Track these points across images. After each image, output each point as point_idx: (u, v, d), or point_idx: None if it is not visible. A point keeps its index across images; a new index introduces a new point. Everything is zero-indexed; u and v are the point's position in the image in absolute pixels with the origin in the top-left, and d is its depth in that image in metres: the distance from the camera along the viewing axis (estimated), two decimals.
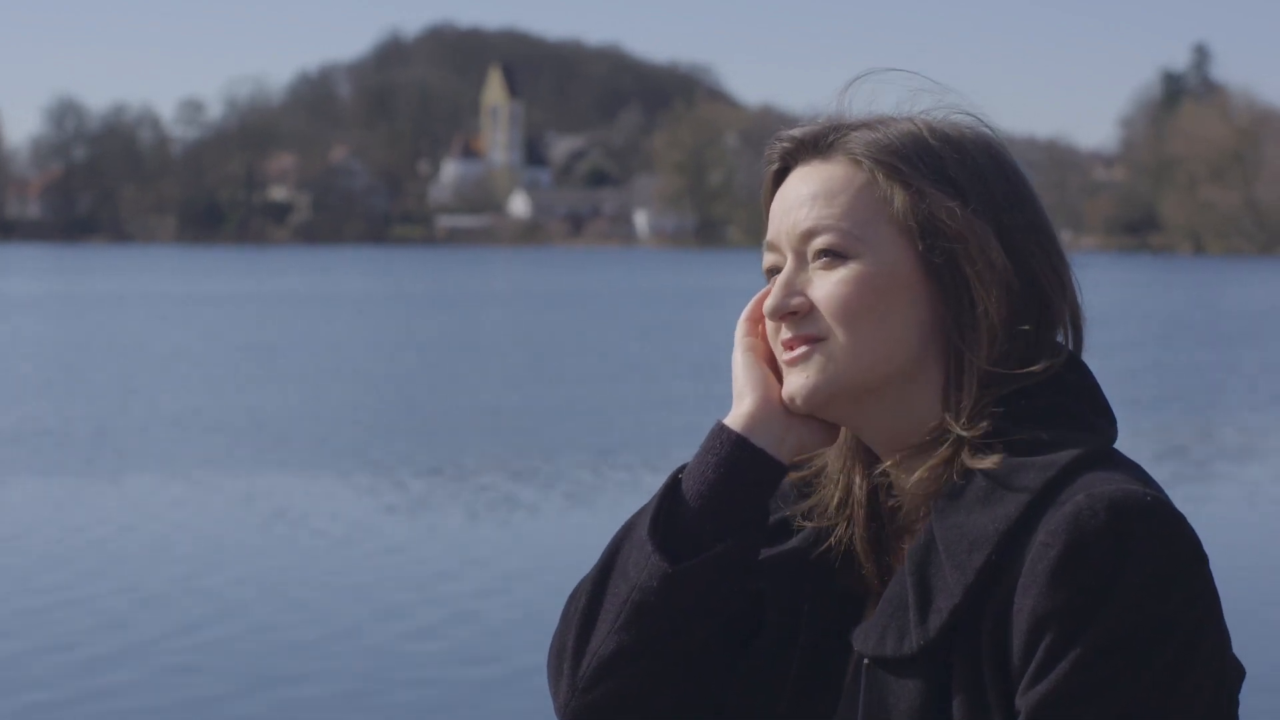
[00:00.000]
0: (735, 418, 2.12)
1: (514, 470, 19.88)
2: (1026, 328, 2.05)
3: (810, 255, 2.09)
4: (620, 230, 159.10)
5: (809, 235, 2.08)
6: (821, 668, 2.12)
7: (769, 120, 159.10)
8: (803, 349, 2.08)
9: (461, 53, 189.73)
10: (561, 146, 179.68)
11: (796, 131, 2.15)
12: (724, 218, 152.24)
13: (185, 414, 25.08)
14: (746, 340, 2.16)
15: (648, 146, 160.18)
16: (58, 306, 56.24)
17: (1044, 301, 2.07)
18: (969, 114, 2.14)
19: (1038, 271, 2.07)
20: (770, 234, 2.13)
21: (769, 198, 2.16)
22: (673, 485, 2.12)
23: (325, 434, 23.10)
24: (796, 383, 2.08)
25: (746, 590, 2.11)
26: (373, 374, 32.63)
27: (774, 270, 2.13)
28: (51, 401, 27.03)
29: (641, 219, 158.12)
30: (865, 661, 2.05)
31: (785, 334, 2.10)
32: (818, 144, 2.12)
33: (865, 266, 2.05)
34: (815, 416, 2.13)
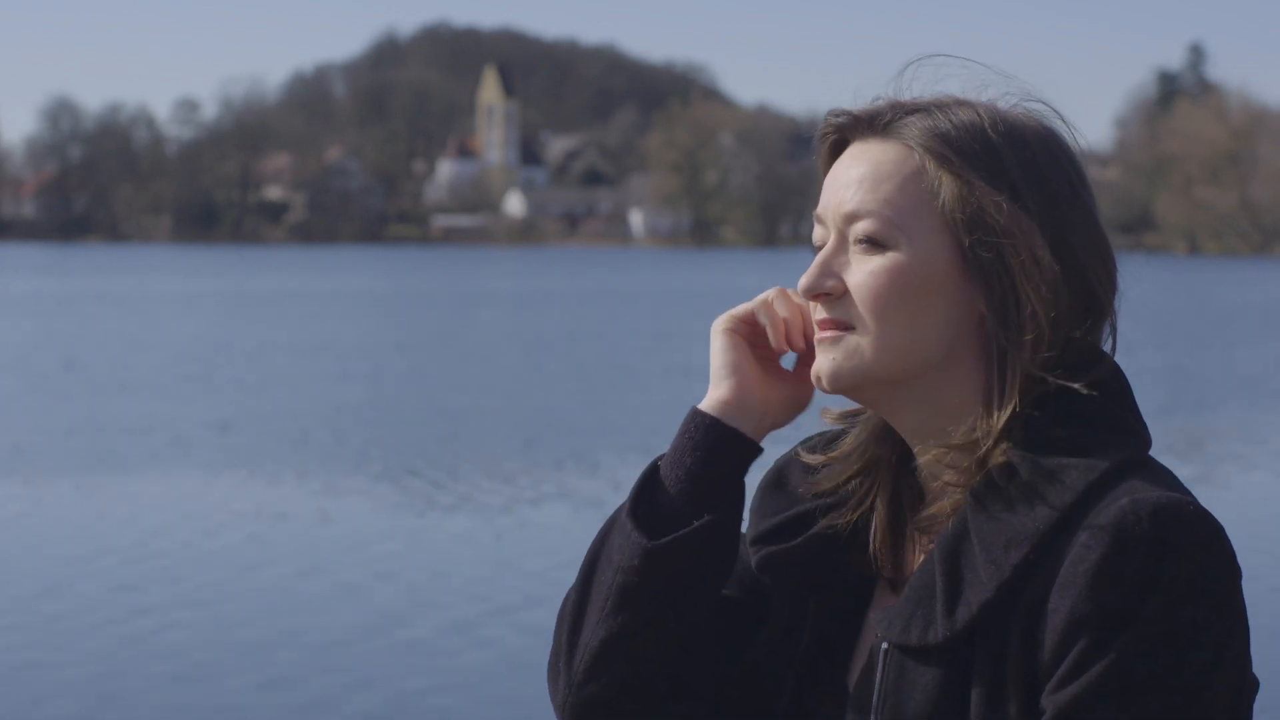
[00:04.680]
0: (710, 403, 2.15)
1: (511, 470, 19.87)
2: (1076, 332, 2.05)
3: (851, 238, 2.08)
4: (615, 230, 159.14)
5: (851, 218, 2.07)
6: (829, 653, 2.14)
7: (764, 120, 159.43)
8: (832, 333, 2.08)
9: (457, 52, 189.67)
10: (557, 146, 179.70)
11: (856, 108, 2.13)
12: (719, 217, 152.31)
13: (180, 414, 25.06)
14: (723, 322, 2.17)
15: (643, 146, 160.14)
16: (53, 306, 56.16)
17: (1093, 304, 2.06)
18: (1042, 102, 2.12)
19: (1088, 273, 2.05)
20: (819, 206, 2.13)
21: (825, 168, 2.15)
22: (651, 472, 2.15)
23: (320, 434, 23.08)
24: (823, 365, 2.09)
25: (729, 571, 2.13)
26: (370, 374, 32.59)
27: (820, 245, 2.13)
28: (46, 401, 27.00)
29: (637, 218, 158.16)
30: (885, 647, 2.05)
31: (819, 314, 2.10)
32: (874, 122, 2.10)
33: (903, 257, 2.04)
34: (794, 396, 2.18)
